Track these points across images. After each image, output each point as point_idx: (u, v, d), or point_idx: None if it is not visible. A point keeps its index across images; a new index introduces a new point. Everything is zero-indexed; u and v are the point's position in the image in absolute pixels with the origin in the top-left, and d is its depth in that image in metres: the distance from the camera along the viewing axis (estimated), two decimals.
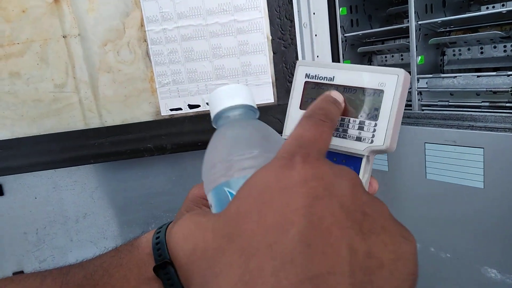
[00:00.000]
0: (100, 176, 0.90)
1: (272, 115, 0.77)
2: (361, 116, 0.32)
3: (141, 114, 0.80)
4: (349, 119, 0.33)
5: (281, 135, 0.35)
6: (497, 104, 0.72)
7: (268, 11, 0.74)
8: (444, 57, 0.87)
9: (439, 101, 0.82)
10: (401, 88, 0.31)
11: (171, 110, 0.80)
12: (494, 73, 0.70)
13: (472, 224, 0.75)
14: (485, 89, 0.72)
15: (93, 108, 0.80)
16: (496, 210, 0.71)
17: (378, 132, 0.32)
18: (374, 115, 0.32)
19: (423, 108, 0.83)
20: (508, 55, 0.75)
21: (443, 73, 0.82)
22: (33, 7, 0.76)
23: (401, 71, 0.32)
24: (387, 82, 0.32)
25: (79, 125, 0.81)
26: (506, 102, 0.71)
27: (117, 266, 0.31)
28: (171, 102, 0.79)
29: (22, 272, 0.97)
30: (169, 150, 0.81)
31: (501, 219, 0.70)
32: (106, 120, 0.81)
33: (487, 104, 0.74)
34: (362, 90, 0.33)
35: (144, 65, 0.78)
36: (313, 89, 0.35)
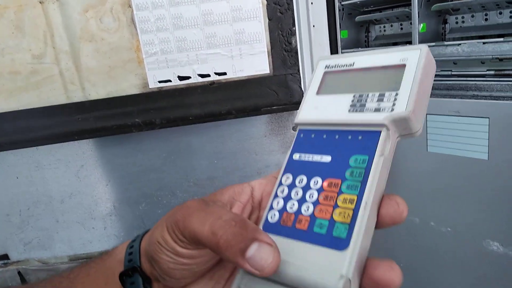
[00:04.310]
0: (86, 153, 0.85)
1: (267, 86, 0.73)
2: (381, 90, 0.30)
3: (127, 86, 0.75)
4: (368, 94, 0.31)
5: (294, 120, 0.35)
6: (504, 72, 0.69)
7: None
8: (446, 25, 0.83)
9: (441, 70, 0.78)
10: (424, 60, 0.29)
11: (160, 82, 0.75)
12: (501, 39, 0.67)
13: (475, 197, 0.73)
14: (491, 56, 0.68)
15: (75, 80, 0.75)
16: (501, 182, 0.69)
17: (400, 100, 0.29)
18: (395, 87, 0.30)
19: None
20: None
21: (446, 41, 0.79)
22: None
23: (424, 46, 0.30)
24: (409, 56, 0.30)
25: (61, 99, 0.75)
26: None
27: (83, 276, 0.32)
28: (159, 73, 0.74)
29: (6, 255, 0.92)
30: (159, 125, 0.76)
31: (505, 190, 0.68)
32: (89, 94, 0.75)
33: (492, 72, 0.71)
34: (383, 68, 0.31)
35: (129, 33, 0.73)
36: (331, 74, 0.34)
